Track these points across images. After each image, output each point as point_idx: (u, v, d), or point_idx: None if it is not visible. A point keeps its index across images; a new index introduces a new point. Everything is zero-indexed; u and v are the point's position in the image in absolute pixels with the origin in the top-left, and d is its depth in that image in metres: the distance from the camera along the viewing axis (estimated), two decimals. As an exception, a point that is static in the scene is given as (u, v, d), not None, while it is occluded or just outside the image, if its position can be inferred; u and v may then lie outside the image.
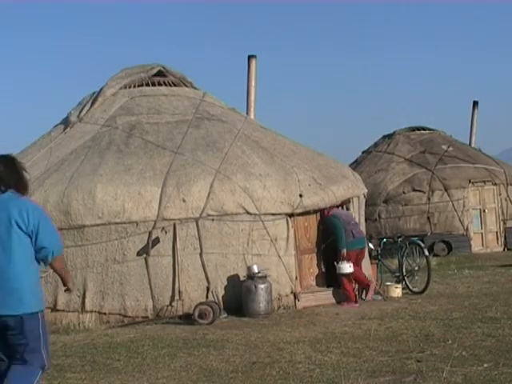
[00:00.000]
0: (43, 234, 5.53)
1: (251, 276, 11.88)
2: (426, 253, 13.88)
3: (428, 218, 22.85)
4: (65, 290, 6.03)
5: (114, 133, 13.51)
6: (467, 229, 22.78)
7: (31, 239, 5.53)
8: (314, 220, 13.12)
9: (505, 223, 23.41)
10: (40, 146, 14.11)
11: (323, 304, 12.60)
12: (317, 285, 13.04)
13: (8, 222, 5.48)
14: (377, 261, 14.60)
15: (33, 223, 5.50)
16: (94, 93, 14.75)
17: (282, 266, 12.42)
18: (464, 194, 22.92)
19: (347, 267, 12.75)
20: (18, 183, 5.60)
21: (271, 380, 7.57)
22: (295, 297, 12.49)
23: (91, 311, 11.82)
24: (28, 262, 5.56)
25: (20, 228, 5.48)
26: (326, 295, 12.92)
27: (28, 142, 15.00)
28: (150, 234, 11.88)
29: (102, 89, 14.64)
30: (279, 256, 12.42)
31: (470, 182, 23.06)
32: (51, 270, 11.77)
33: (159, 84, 14.90)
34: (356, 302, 12.70)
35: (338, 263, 12.76)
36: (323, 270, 13.15)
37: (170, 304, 11.88)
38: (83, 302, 11.86)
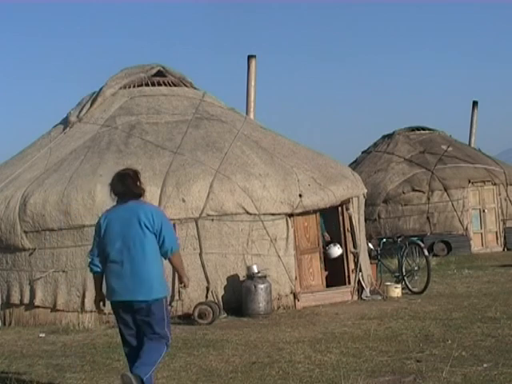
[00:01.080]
0: (165, 234, 6.64)
1: (251, 276, 11.88)
2: (426, 253, 13.89)
3: (428, 218, 22.83)
4: (180, 287, 7.39)
5: (114, 133, 13.51)
6: (467, 229, 22.77)
7: (156, 237, 6.63)
8: (313, 220, 13.12)
9: (504, 223, 23.40)
10: (40, 146, 14.11)
11: (323, 304, 12.61)
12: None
13: (138, 224, 6.61)
14: (376, 261, 14.60)
15: (157, 224, 6.62)
16: (93, 93, 14.74)
17: (282, 266, 12.42)
18: (464, 194, 22.91)
19: (337, 250, 13.08)
20: (135, 194, 6.74)
21: (271, 380, 7.57)
22: (295, 297, 12.49)
23: (91, 311, 11.81)
24: (155, 255, 6.65)
25: (147, 228, 6.60)
26: (326, 295, 12.93)
27: (28, 142, 15.02)
28: (149, 234, 11.86)
29: (101, 89, 14.64)
30: (279, 256, 12.42)
31: (469, 182, 23.05)
32: (51, 271, 11.83)
33: (159, 84, 14.89)
34: None
35: (327, 249, 13.13)
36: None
37: (170, 304, 11.88)
38: (83, 302, 11.86)
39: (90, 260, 6.88)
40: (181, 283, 6.97)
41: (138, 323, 6.69)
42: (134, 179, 6.81)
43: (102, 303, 7.10)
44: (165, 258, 6.74)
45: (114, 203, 6.83)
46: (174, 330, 10.71)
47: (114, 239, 6.67)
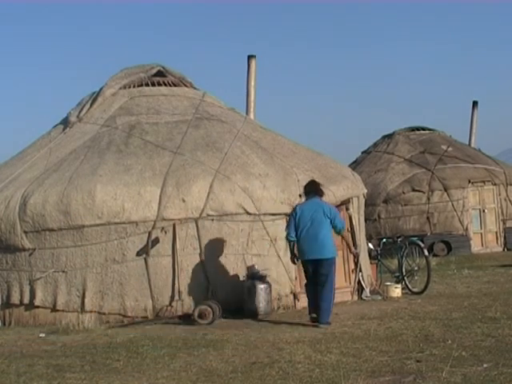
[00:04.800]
0: (335, 219, 10.86)
1: (251, 276, 11.88)
2: (426, 253, 13.88)
3: (428, 218, 22.85)
4: (352, 252, 12.41)
5: (114, 133, 13.51)
6: (467, 229, 22.79)
7: (330, 221, 10.79)
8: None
9: (504, 223, 23.42)
10: (39, 146, 14.11)
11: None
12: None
13: (322, 213, 10.81)
14: (376, 261, 14.61)
15: (332, 214, 10.86)
16: (93, 93, 14.74)
17: (282, 266, 12.42)
18: (464, 194, 22.93)
19: None
20: (318, 195, 11.10)
21: (271, 380, 7.57)
22: (295, 297, 12.48)
23: (91, 311, 11.83)
24: (330, 232, 10.85)
25: (326, 215, 10.80)
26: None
27: (28, 142, 15.02)
28: (149, 234, 11.88)
29: (101, 89, 14.64)
30: (279, 256, 12.42)
31: (469, 182, 23.06)
32: (51, 271, 11.84)
33: (159, 84, 14.89)
34: None
35: None
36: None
37: (170, 304, 11.88)
38: (83, 302, 11.86)
39: (287, 233, 11.01)
40: (353, 251, 12.53)
41: (320, 271, 10.72)
42: (319, 186, 11.17)
43: (295, 259, 11.17)
44: (337, 233, 11.10)
45: (304, 199, 11.38)
46: (174, 330, 10.80)
47: (306, 221, 10.77)
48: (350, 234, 13.48)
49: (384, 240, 15.38)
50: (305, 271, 11.13)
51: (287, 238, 11.11)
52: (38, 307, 12.08)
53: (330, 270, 10.79)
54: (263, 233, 12.36)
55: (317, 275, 10.77)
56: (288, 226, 11.07)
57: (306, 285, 11.21)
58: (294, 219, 10.91)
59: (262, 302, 11.72)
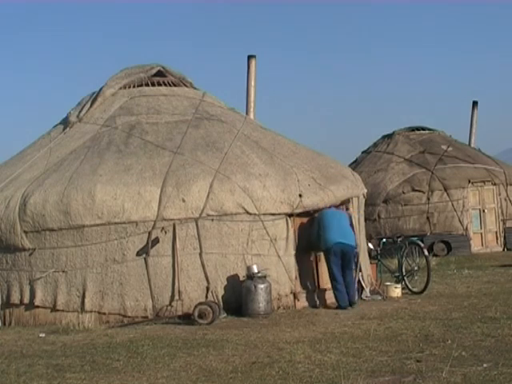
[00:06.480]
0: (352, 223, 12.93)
1: (251, 276, 11.88)
2: (426, 253, 13.89)
3: (427, 218, 22.84)
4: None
5: (114, 133, 13.52)
6: (467, 229, 22.77)
7: (352, 223, 12.88)
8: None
9: (504, 223, 23.40)
10: (39, 146, 14.11)
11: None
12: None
13: (345, 215, 12.82)
14: (376, 261, 14.61)
15: (351, 220, 12.86)
16: (93, 93, 14.75)
17: (282, 266, 12.42)
18: (463, 194, 22.91)
19: None
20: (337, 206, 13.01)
21: (271, 380, 7.58)
22: (295, 297, 12.49)
23: (91, 311, 11.82)
24: (351, 229, 12.73)
25: (348, 218, 12.87)
26: (326, 295, 12.91)
27: (28, 141, 15.02)
28: (149, 234, 11.88)
29: (101, 89, 14.64)
30: (279, 256, 12.42)
31: (469, 182, 23.05)
32: (51, 271, 11.85)
33: (159, 84, 14.89)
34: None
35: None
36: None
37: (170, 304, 11.88)
38: (83, 302, 11.86)
39: (313, 235, 12.62)
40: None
41: (346, 257, 12.40)
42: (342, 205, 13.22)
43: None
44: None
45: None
46: (174, 330, 10.80)
47: (330, 218, 12.49)
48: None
49: (384, 240, 15.38)
50: (330, 262, 12.37)
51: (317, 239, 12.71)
52: (38, 307, 12.09)
53: (354, 257, 12.59)
54: (263, 233, 12.36)
55: (343, 261, 12.40)
56: (314, 232, 12.69)
57: (332, 279, 12.37)
58: (316, 222, 12.58)
59: (262, 301, 11.73)
